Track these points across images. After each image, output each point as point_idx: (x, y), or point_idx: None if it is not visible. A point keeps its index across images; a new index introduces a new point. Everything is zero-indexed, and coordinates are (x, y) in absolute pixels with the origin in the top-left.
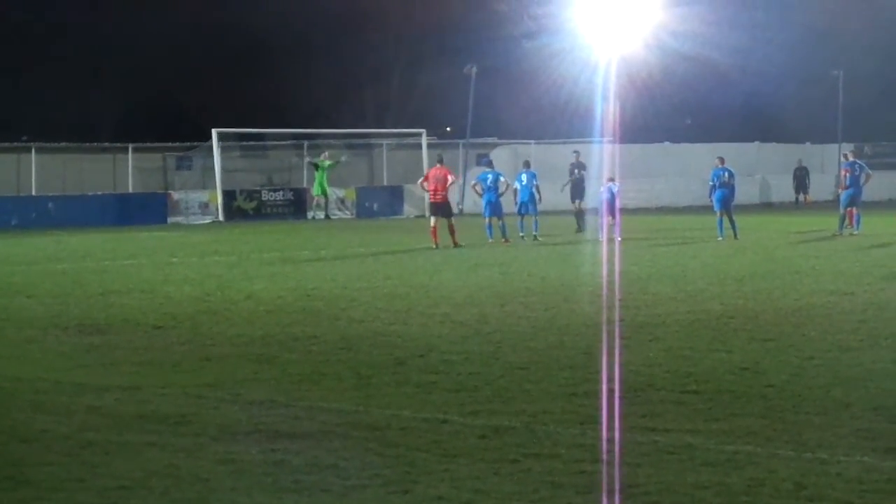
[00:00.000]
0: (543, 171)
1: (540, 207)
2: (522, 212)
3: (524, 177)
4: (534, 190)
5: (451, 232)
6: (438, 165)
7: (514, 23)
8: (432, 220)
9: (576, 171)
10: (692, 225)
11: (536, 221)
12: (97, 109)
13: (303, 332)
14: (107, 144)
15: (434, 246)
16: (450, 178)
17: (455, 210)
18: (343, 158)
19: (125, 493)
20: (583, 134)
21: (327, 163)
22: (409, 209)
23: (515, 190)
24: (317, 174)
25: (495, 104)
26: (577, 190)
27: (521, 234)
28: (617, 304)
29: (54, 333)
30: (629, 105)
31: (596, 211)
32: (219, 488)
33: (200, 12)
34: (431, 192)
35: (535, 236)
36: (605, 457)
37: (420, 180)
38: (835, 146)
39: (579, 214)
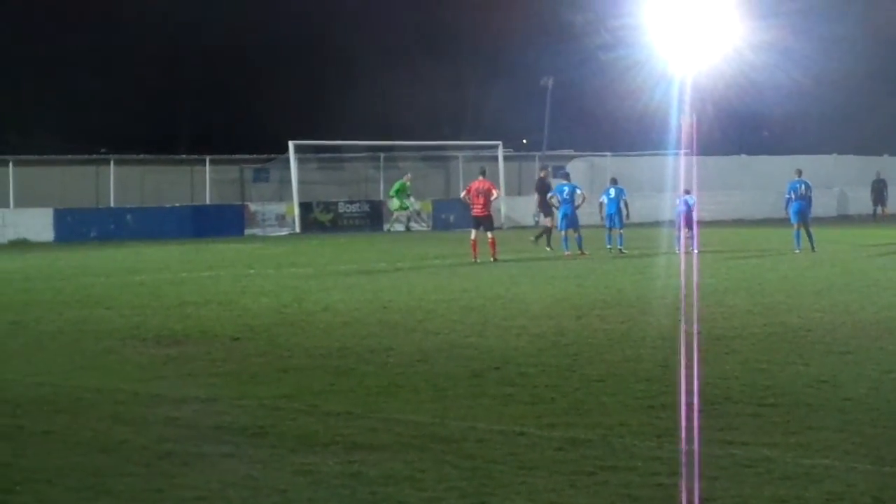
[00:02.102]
0: (620, 183)
1: (626, 222)
2: (609, 224)
3: (612, 191)
4: (621, 204)
5: (492, 245)
6: (481, 178)
7: (590, 35)
8: (473, 232)
9: (539, 188)
10: (769, 237)
11: (622, 235)
12: (175, 121)
13: (379, 343)
14: (184, 156)
15: (473, 259)
16: (493, 191)
17: (532, 222)
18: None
19: None
20: (658, 146)
21: (407, 185)
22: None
23: (602, 204)
24: (396, 192)
25: (571, 116)
26: (547, 207)
27: (608, 247)
28: (694, 316)
29: (133, 345)
30: (706, 117)
31: (672, 223)
32: (296, 499)
33: (278, 26)
34: (473, 205)
35: (620, 249)
36: (682, 470)
37: (463, 193)
38: None
39: (546, 231)
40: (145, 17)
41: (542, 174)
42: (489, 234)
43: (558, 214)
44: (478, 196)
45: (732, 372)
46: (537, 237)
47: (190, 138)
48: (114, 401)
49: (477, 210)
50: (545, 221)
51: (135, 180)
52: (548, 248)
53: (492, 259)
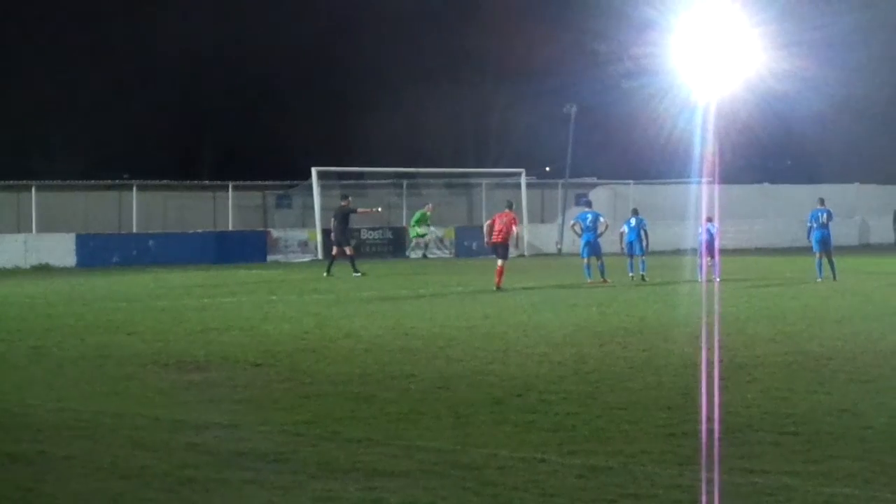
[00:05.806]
0: (642, 211)
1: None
2: (630, 252)
3: (633, 220)
4: (642, 233)
5: (500, 273)
6: (507, 210)
7: (613, 63)
8: (499, 261)
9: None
10: (791, 266)
11: (644, 262)
12: (198, 147)
13: (401, 370)
14: (207, 182)
15: (497, 286)
16: (514, 228)
17: (554, 249)
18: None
19: None
20: (681, 174)
21: (428, 214)
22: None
23: (623, 233)
24: (415, 219)
25: (594, 144)
26: (345, 236)
27: (630, 275)
28: (715, 344)
29: (154, 370)
30: (728, 145)
31: (695, 251)
32: None
33: (301, 52)
34: (495, 233)
35: (642, 276)
36: (703, 498)
37: (488, 221)
38: None
39: (339, 258)
40: (168, 43)
41: (343, 203)
42: (500, 262)
43: (581, 242)
44: (500, 225)
45: (754, 400)
46: (329, 267)
47: (213, 164)
48: (134, 426)
49: (498, 238)
50: (344, 250)
51: (157, 206)
52: (357, 274)
53: (495, 287)
